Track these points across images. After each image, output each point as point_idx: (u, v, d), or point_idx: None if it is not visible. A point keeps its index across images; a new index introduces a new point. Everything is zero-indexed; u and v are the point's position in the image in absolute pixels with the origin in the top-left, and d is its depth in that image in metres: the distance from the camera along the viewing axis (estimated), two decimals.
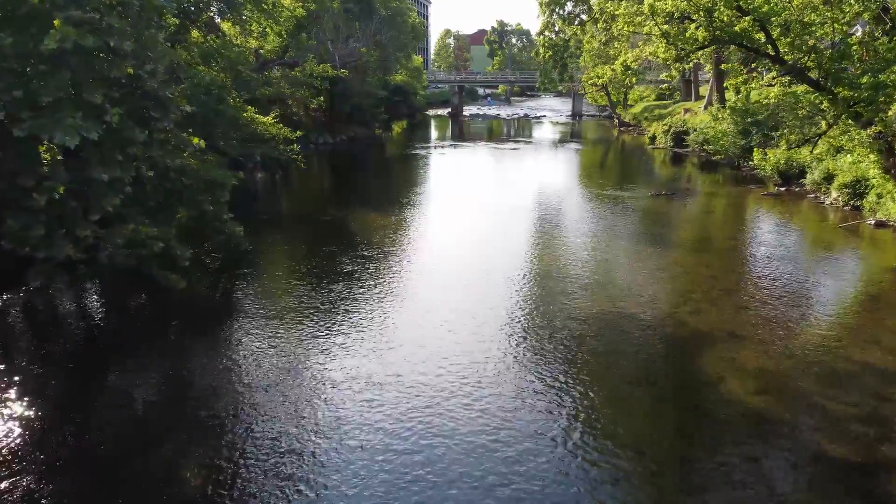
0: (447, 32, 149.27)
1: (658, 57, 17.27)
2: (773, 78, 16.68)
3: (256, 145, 24.41)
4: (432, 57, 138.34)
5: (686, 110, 46.33)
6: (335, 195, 28.74)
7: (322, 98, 43.92)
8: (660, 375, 10.12)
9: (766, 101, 17.97)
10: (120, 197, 12.35)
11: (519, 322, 12.02)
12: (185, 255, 13.29)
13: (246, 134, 22.96)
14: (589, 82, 51.08)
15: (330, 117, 45.76)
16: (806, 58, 15.25)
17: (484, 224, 20.55)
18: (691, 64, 25.50)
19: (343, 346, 10.83)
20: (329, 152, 41.37)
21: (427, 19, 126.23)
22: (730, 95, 38.08)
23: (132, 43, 11.40)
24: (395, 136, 54.52)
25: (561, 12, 50.28)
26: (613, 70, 21.19)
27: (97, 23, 10.64)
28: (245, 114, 23.79)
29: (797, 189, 25.14)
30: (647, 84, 63.54)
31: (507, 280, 14.45)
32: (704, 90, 49.31)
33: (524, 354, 10.57)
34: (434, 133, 61.34)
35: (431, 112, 77.99)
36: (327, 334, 11.31)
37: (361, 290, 13.81)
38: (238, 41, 27.92)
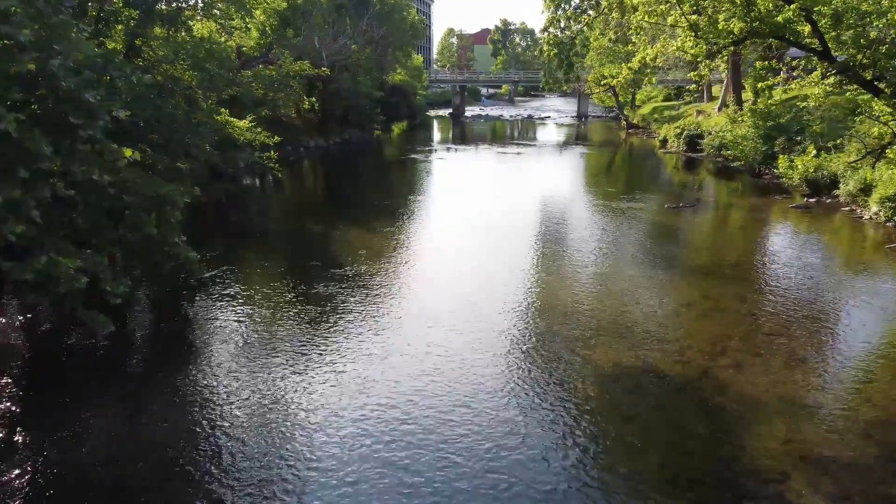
0: (450, 31, 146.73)
1: (685, 53, 14.86)
2: (821, 78, 14.21)
3: (232, 152, 22.10)
4: (434, 56, 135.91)
5: (699, 112, 43.91)
6: (319, 206, 26.51)
7: (314, 99, 41.69)
8: (700, 469, 7.70)
9: (803, 104, 15.49)
10: (36, 221, 10.18)
11: (512, 378, 9.61)
12: (117, 291, 11.07)
13: (216, 140, 20.57)
14: (602, 82, 48.53)
15: (322, 119, 43.49)
16: (860, 54, 12.81)
17: (481, 243, 18.17)
18: (721, 61, 23.05)
19: (302, 394, 8.50)
20: (321, 156, 39.09)
21: (429, 18, 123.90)
22: (747, 96, 35.69)
23: (31, 31, 9.07)
24: (394, 139, 52.17)
25: (567, 7, 47.59)
26: (630, 69, 18.72)
27: None
28: (218, 117, 21.42)
29: (828, 201, 22.72)
30: (664, 84, 60.96)
31: (502, 316, 12.09)
32: (717, 90, 46.81)
33: (517, 425, 8.19)
34: (435, 135, 59.00)
35: (433, 113, 75.61)
36: (290, 381, 8.98)
37: (336, 322, 11.46)
38: (219, 37, 25.66)
